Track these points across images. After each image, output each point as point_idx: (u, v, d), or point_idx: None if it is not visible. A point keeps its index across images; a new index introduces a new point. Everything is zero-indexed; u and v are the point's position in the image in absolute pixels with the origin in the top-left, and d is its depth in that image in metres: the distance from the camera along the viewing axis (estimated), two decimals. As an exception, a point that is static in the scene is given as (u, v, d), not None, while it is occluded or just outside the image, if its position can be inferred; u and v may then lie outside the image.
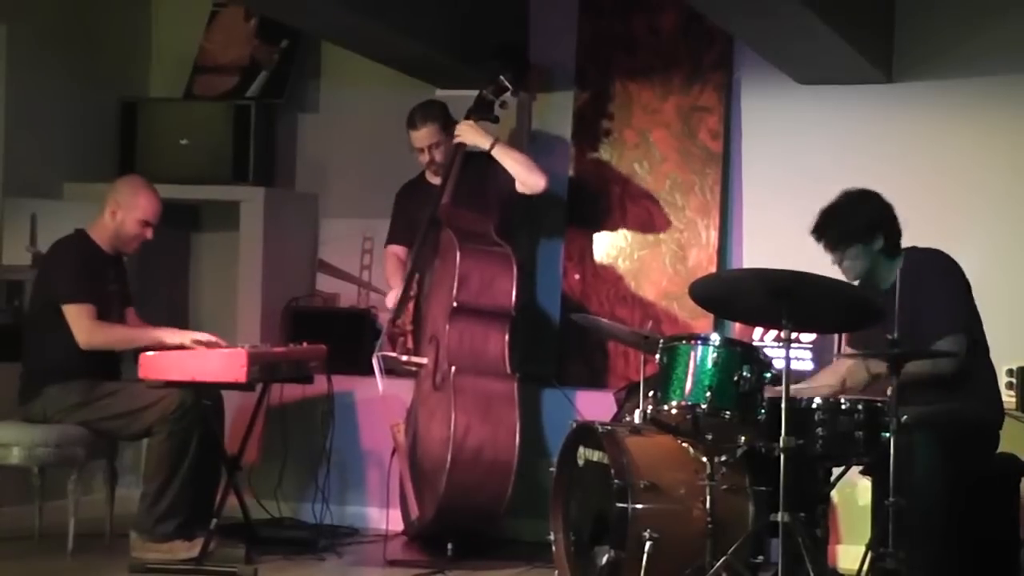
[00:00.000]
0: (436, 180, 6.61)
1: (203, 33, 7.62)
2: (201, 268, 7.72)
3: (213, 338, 6.02)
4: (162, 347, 5.91)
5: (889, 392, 4.78)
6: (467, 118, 6.53)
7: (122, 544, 5.98)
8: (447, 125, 6.55)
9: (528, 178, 6.44)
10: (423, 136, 6.55)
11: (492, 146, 6.45)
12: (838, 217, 5.22)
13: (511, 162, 6.44)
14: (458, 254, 6.20)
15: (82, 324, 5.97)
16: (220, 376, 5.83)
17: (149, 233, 6.21)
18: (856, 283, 5.22)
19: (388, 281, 6.72)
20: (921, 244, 5.34)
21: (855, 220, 5.21)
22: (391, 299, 6.58)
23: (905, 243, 5.31)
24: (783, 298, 4.78)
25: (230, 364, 5.81)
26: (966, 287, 5.22)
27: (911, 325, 4.94)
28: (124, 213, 6.14)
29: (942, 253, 5.26)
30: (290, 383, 6.45)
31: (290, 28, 7.27)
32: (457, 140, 6.50)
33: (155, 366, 5.83)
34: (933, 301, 5.11)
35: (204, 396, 5.93)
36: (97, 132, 7.34)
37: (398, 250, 6.72)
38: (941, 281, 5.18)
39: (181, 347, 5.93)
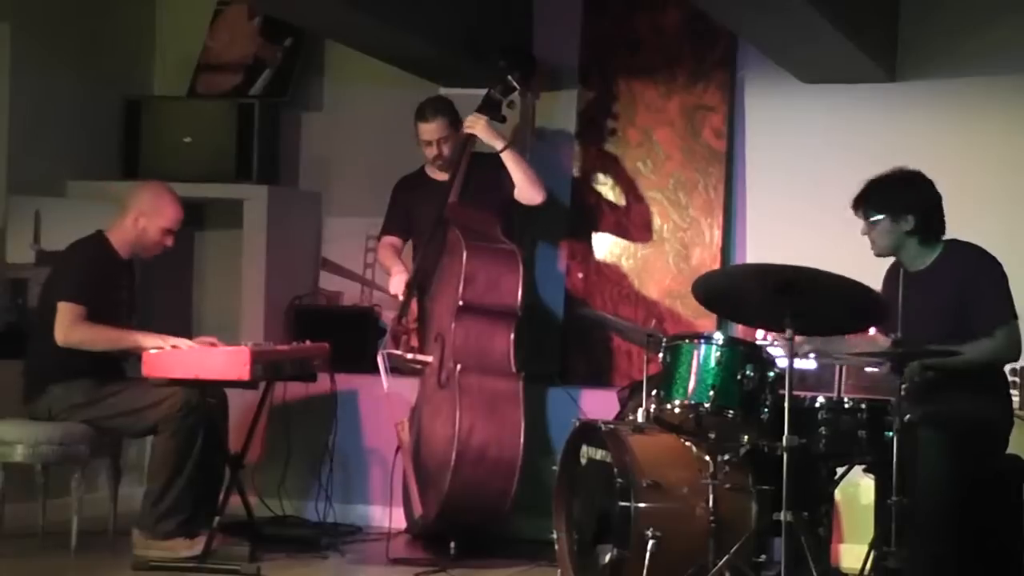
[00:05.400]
0: (437, 176, 6.63)
1: (207, 31, 7.63)
2: (205, 266, 7.71)
3: (194, 343, 5.96)
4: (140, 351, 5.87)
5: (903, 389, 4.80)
6: (476, 117, 6.56)
7: (125, 542, 5.98)
8: (455, 121, 6.57)
9: (529, 190, 6.46)
10: (433, 129, 6.55)
11: (504, 148, 6.45)
12: (879, 188, 5.25)
13: (517, 170, 6.45)
14: (465, 253, 6.20)
15: (65, 320, 5.88)
16: (224, 374, 5.83)
17: (170, 241, 6.17)
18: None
19: (385, 268, 6.73)
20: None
21: (893, 195, 5.22)
22: (394, 285, 6.56)
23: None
24: (786, 294, 4.77)
25: (234, 362, 5.81)
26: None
27: (956, 316, 5.04)
28: (148, 221, 6.10)
29: (984, 249, 5.27)
30: (293, 381, 6.46)
31: (294, 26, 7.28)
32: (468, 130, 6.49)
33: (159, 364, 5.83)
34: (986, 293, 5.12)
35: (208, 394, 5.93)
36: (101, 130, 7.34)
37: (392, 240, 6.73)
38: (993, 274, 5.19)
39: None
